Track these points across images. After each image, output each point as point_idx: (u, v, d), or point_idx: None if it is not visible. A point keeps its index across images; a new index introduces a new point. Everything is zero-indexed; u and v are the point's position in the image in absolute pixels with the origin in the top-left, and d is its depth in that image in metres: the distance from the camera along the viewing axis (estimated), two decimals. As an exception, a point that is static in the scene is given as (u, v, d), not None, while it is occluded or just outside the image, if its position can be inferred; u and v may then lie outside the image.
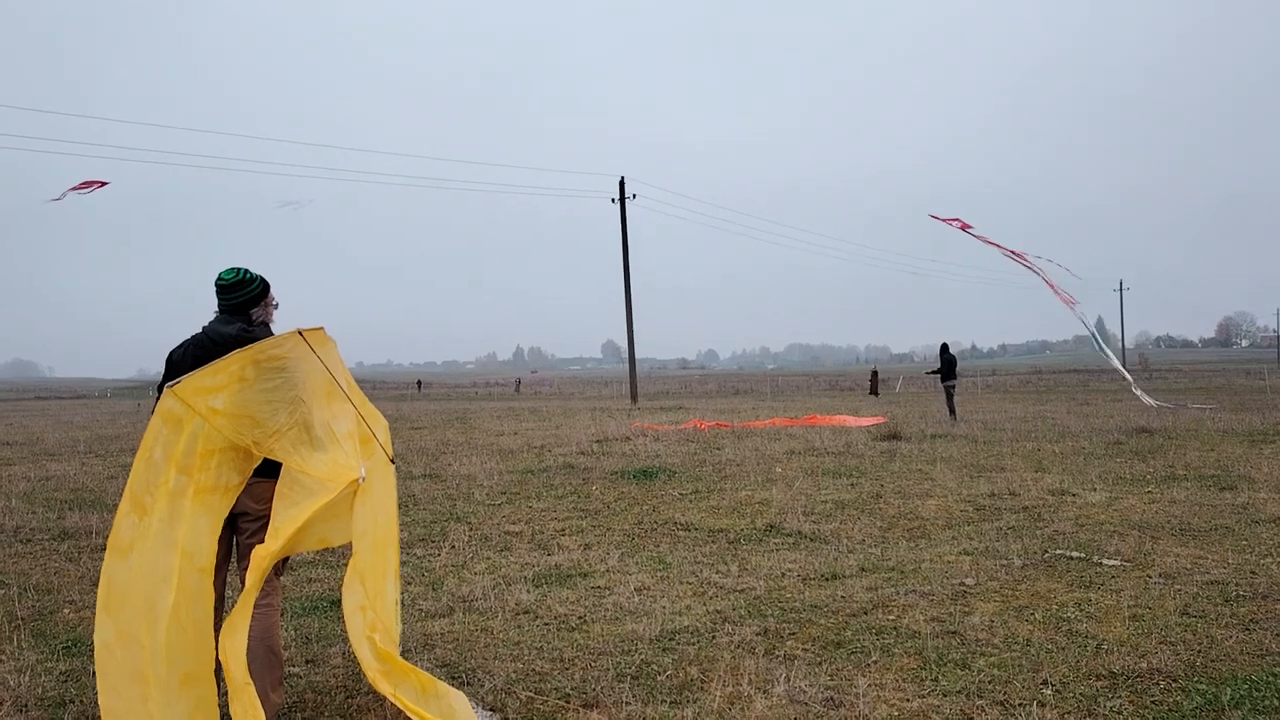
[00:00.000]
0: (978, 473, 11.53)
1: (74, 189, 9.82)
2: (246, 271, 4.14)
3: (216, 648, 3.43)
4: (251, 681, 3.25)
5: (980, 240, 17.74)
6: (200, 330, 4.06)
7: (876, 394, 45.25)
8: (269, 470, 3.74)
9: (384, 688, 3.55)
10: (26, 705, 4.16)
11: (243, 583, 3.54)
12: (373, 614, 3.77)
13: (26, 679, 4.44)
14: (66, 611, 5.85)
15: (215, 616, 3.62)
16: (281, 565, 4.10)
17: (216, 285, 4.10)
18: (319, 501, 3.58)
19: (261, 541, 3.62)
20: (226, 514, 3.66)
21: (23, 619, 5.66)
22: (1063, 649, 4.65)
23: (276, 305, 4.28)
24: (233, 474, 3.65)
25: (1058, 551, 6.88)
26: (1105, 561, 6.52)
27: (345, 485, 3.62)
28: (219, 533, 3.62)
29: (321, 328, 3.86)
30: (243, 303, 4.09)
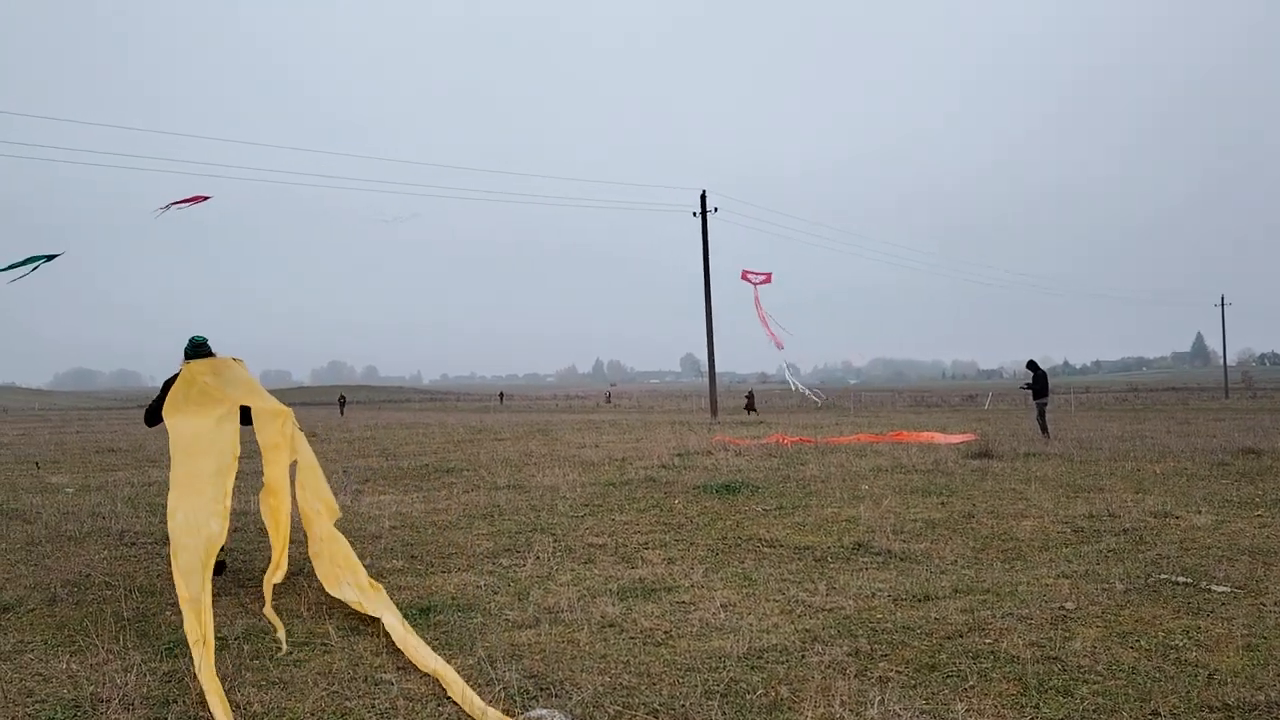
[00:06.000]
0: (1075, 493, 11.14)
1: (176, 203, 10.16)
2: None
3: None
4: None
5: (760, 315, 27.27)
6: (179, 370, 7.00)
7: (755, 410, 47.23)
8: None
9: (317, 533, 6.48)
10: (133, 703, 4.30)
11: None
12: (325, 500, 6.72)
13: (132, 678, 4.59)
14: (169, 613, 6.04)
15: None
16: None
17: (195, 343, 7.18)
18: (275, 407, 6.61)
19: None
20: (237, 429, 6.53)
21: (128, 619, 5.87)
22: (1171, 678, 4.44)
23: None
24: (234, 417, 6.63)
25: (1162, 576, 6.59)
26: (1214, 588, 6.23)
27: (286, 409, 6.62)
28: (236, 438, 6.45)
29: (242, 359, 7.17)
30: (207, 355, 7.15)
